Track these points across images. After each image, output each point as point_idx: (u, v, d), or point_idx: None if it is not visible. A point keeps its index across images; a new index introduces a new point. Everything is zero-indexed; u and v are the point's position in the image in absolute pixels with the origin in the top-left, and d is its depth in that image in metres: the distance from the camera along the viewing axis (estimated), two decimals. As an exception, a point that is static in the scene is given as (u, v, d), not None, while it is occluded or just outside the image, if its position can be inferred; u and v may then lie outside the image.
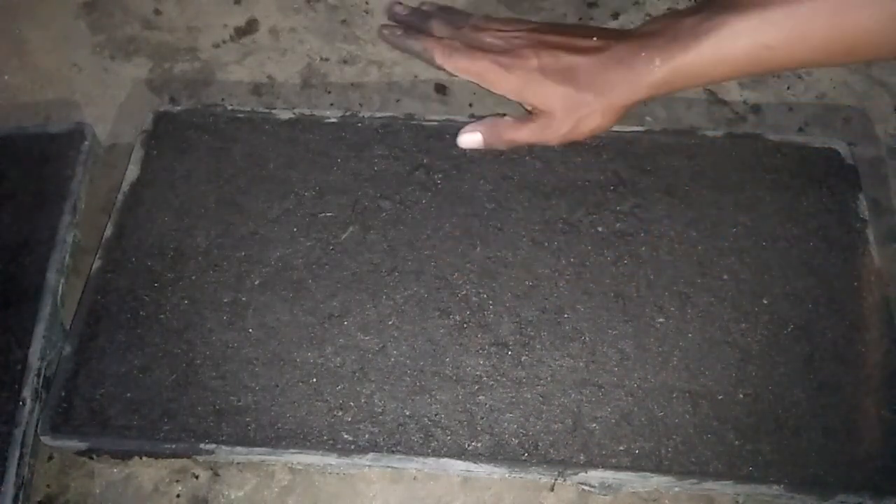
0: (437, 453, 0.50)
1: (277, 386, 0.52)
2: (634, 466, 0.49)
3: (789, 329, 0.54)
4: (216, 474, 0.53)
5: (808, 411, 0.51)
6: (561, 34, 0.51)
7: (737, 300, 0.55)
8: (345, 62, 0.72)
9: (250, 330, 0.54)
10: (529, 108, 0.54)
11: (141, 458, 0.52)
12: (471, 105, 0.69)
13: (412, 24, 0.55)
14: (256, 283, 0.56)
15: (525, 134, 0.52)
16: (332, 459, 0.50)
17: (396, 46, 0.53)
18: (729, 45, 0.46)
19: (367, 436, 0.50)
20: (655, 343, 0.53)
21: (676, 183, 0.60)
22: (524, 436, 0.50)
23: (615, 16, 0.74)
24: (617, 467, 0.49)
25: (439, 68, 0.52)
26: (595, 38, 0.50)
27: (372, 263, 0.57)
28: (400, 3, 0.56)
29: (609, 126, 0.51)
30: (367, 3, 0.76)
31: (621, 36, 0.50)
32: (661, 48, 0.48)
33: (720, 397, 0.51)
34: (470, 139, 0.55)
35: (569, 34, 0.51)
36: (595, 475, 0.49)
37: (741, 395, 0.52)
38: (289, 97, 0.70)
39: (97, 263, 0.57)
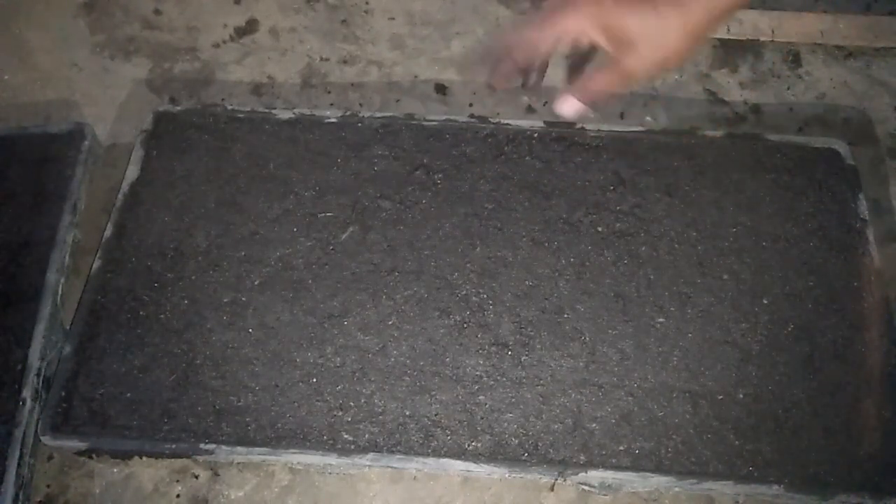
0: (437, 453, 0.50)
1: (277, 386, 0.52)
2: (634, 466, 0.49)
3: (789, 329, 0.54)
4: (216, 474, 0.53)
5: (808, 411, 0.51)
6: None
7: (737, 300, 0.55)
8: (345, 62, 0.72)
9: (250, 330, 0.54)
10: (608, 46, 0.45)
11: (141, 458, 0.52)
12: (471, 105, 0.69)
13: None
14: (256, 283, 0.56)
15: (613, 75, 0.45)
16: (332, 459, 0.50)
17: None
18: None
19: (367, 436, 0.50)
20: (655, 343, 0.53)
21: (676, 183, 0.60)
22: (524, 436, 0.50)
23: (615, 16, 0.74)
24: (617, 467, 0.49)
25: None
26: None
27: (372, 263, 0.57)
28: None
29: (693, 48, 0.43)
30: (367, 3, 0.76)
31: None
32: None
33: (720, 397, 0.51)
34: (569, 107, 0.46)
35: None
36: (595, 475, 0.49)
37: (741, 395, 0.51)
38: (289, 97, 0.70)
39: (97, 263, 0.57)
